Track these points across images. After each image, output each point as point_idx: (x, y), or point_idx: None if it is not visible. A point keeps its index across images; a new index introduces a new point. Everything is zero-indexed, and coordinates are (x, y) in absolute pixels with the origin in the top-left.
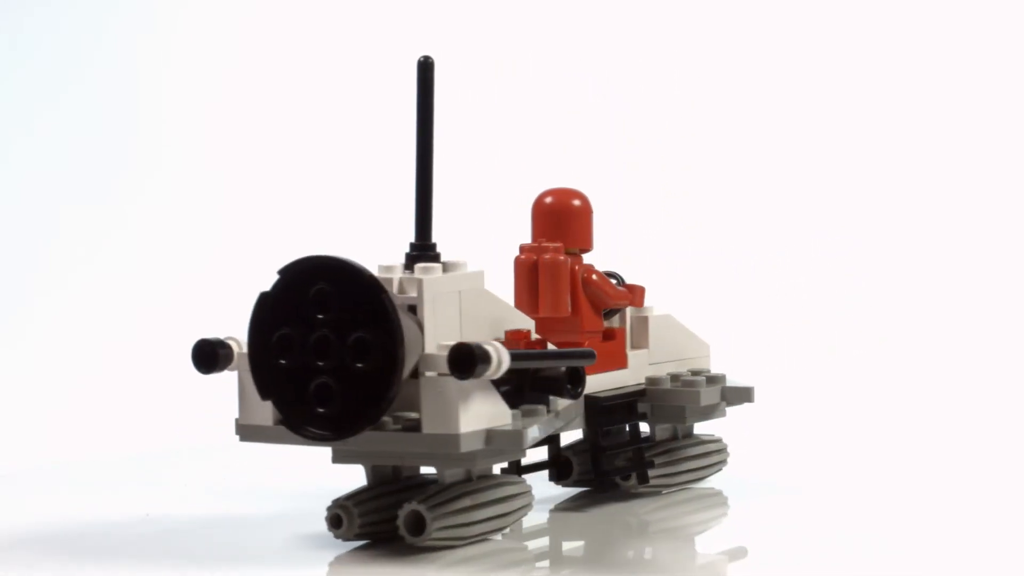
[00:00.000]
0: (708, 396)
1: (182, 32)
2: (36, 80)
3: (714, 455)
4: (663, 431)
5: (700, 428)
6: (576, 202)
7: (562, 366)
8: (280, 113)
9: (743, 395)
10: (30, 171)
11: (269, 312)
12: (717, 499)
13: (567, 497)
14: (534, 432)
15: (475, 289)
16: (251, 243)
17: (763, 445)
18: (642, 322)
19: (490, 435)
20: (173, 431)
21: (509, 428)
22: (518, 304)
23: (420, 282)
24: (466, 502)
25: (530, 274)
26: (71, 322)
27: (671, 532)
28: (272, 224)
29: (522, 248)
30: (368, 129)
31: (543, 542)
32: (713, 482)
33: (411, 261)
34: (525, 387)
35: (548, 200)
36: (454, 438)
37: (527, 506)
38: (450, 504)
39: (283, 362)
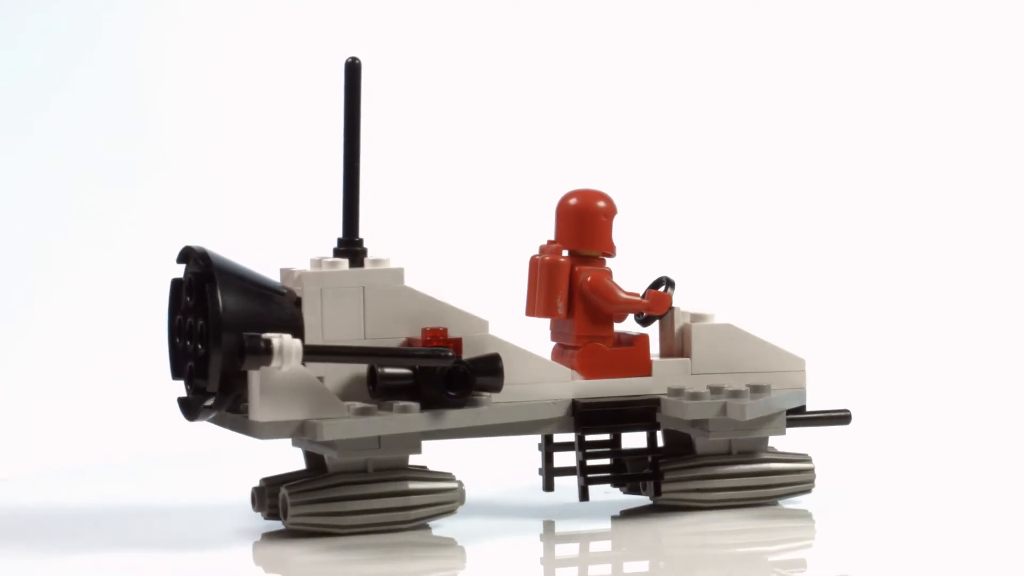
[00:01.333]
0: (700, 411)
1: (186, 31)
2: (36, 80)
3: (782, 476)
4: (713, 444)
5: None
6: (590, 204)
7: (412, 364)
8: (282, 111)
9: (772, 419)
10: (30, 171)
11: (173, 297)
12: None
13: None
14: (348, 429)
15: (388, 285)
16: (252, 242)
17: (855, 466)
18: (685, 330)
19: (304, 426)
20: (173, 431)
21: (316, 421)
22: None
23: (301, 276)
24: (344, 492)
25: (531, 274)
26: (71, 323)
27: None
28: (271, 223)
29: (540, 248)
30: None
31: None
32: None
33: (335, 256)
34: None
35: (565, 201)
36: (255, 425)
37: (439, 504)
38: (319, 492)
39: (179, 344)
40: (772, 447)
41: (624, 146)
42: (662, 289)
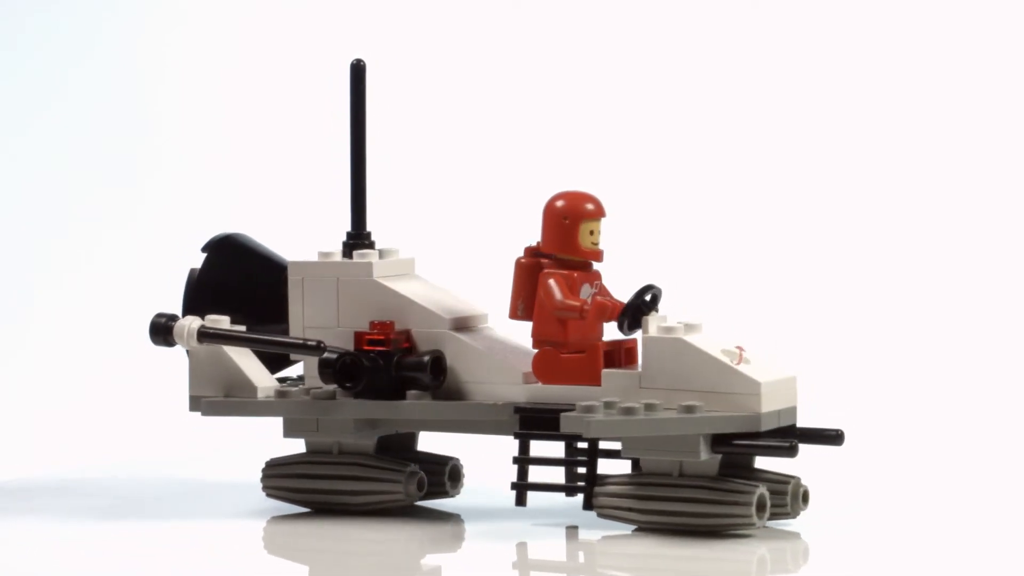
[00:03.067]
0: (599, 428)
1: (186, 31)
2: (36, 80)
3: (715, 506)
4: (657, 464)
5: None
6: (552, 206)
7: (287, 352)
8: (283, 111)
9: (687, 442)
10: (30, 171)
11: None
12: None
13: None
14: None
15: (358, 278)
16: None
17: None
18: (631, 342)
19: (222, 403)
20: (172, 431)
21: (218, 400)
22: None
23: (288, 264)
24: (307, 470)
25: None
26: (71, 323)
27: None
28: (271, 223)
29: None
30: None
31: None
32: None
33: (345, 248)
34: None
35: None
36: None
37: (380, 493)
38: (288, 467)
39: None
40: (761, 470)
41: (626, 148)
42: (648, 298)
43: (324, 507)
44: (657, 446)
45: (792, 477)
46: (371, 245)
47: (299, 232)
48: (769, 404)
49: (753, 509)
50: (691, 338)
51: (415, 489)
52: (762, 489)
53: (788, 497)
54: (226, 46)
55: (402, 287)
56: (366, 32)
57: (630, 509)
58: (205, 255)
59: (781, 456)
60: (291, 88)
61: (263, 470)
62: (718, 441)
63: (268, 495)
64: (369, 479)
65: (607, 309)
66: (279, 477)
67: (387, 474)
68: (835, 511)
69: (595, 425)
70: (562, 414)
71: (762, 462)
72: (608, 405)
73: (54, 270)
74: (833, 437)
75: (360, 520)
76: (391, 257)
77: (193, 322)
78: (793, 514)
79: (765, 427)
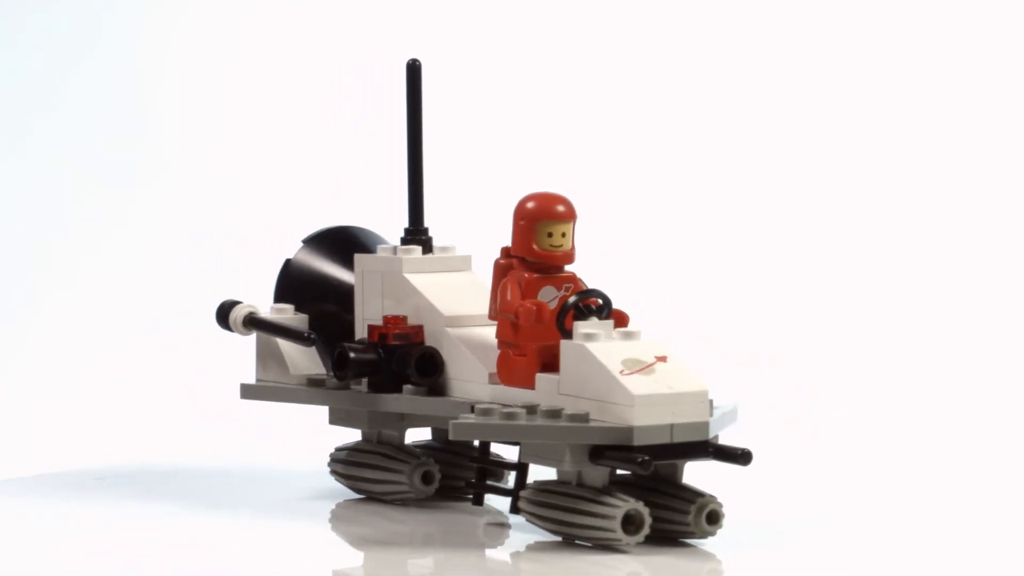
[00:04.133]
0: (461, 431)
1: (186, 31)
2: (36, 80)
3: (584, 518)
4: (564, 473)
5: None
6: (515, 206)
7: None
8: (283, 111)
9: (555, 451)
10: (30, 171)
11: None
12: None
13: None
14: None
15: (393, 273)
16: (252, 242)
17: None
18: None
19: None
20: (173, 432)
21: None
22: None
23: (356, 257)
24: (353, 457)
25: None
26: (71, 323)
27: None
28: (271, 223)
29: None
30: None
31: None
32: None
33: (401, 243)
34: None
35: None
36: None
37: (392, 483)
38: (340, 453)
39: None
40: (683, 486)
41: (627, 149)
42: (583, 304)
43: (362, 494)
44: (544, 454)
45: (701, 496)
46: (425, 241)
47: (298, 232)
48: (649, 418)
49: (618, 525)
50: (592, 345)
51: (421, 482)
52: (633, 507)
53: (691, 516)
54: (226, 46)
55: (426, 282)
56: (365, 32)
57: (536, 515)
58: (302, 246)
59: (638, 471)
60: (291, 88)
61: (331, 454)
62: (597, 453)
63: (336, 479)
64: (384, 469)
65: (537, 313)
66: (335, 462)
67: (398, 465)
68: (754, 531)
69: (457, 428)
70: (451, 421)
71: (691, 477)
72: (530, 409)
73: (54, 270)
74: (738, 456)
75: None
76: (446, 253)
77: (243, 309)
78: (700, 534)
79: (641, 441)
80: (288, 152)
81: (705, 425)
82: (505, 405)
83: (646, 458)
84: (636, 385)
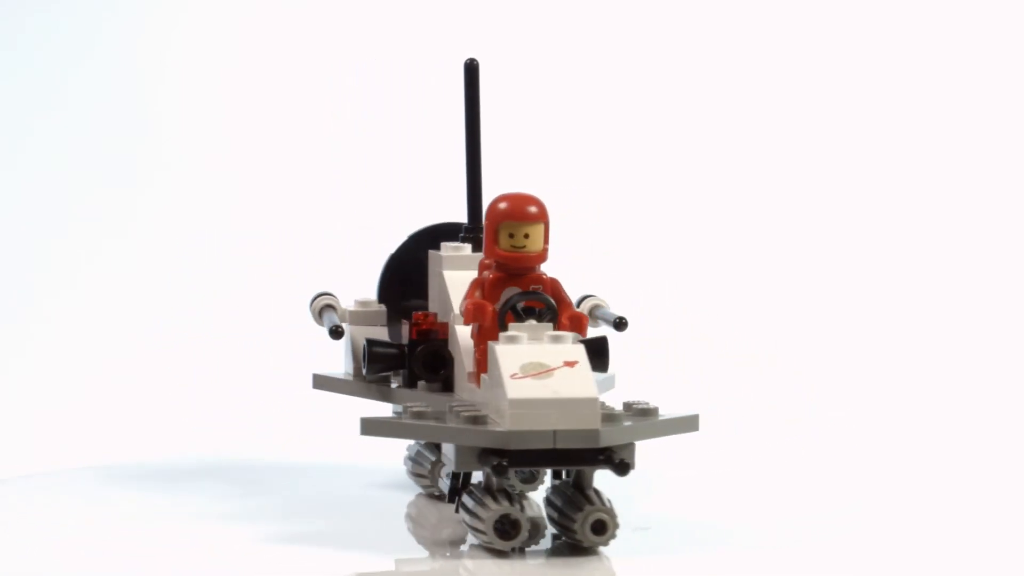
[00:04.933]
0: (369, 427)
1: (186, 31)
2: (36, 80)
3: (472, 520)
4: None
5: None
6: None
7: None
8: (283, 111)
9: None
10: (30, 171)
11: None
12: None
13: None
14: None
15: (436, 271)
16: (251, 242)
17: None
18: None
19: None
20: (173, 432)
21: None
22: None
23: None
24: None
25: None
26: (71, 323)
27: None
28: (271, 223)
29: None
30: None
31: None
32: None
33: (460, 241)
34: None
35: None
36: None
37: (425, 477)
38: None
39: None
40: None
41: (632, 150)
42: (520, 306)
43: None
44: (450, 455)
45: (590, 506)
46: (478, 240)
47: (299, 232)
48: (527, 423)
49: (490, 528)
50: (500, 347)
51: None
52: (507, 512)
53: (577, 524)
54: (226, 46)
55: (459, 279)
56: (365, 32)
57: (463, 517)
58: (403, 241)
59: (493, 475)
60: (291, 88)
61: (408, 447)
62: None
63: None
64: (422, 464)
65: (475, 312)
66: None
67: (428, 463)
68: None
69: (366, 424)
70: (360, 417)
71: (600, 483)
72: (453, 409)
73: (55, 270)
74: (618, 466)
75: None
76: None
77: (322, 300)
78: (587, 543)
79: (516, 445)
80: (288, 152)
81: (595, 433)
82: (471, 406)
83: (503, 462)
84: (518, 389)
